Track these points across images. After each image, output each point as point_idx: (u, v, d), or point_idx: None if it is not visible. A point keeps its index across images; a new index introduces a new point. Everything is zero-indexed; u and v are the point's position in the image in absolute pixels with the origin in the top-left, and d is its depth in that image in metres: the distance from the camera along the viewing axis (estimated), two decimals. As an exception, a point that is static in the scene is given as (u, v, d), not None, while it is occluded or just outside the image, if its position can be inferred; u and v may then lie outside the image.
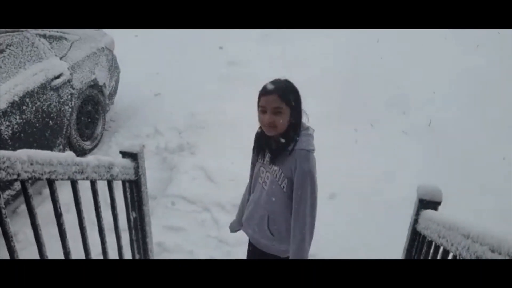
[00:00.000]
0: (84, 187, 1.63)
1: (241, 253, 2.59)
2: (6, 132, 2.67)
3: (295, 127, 1.58)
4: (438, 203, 1.72)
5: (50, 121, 3.12)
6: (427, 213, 1.69)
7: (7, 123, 2.68)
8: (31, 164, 1.23)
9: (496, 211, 2.82)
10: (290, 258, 1.65)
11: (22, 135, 2.80)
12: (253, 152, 1.78)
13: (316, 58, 5.05)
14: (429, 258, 1.58)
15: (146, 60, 5.19)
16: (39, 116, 2.99)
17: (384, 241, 2.58)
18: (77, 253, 1.57)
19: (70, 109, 3.38)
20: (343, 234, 2.80)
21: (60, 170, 1.38)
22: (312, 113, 1.66)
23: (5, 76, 2.78)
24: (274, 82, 1.56)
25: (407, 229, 1.91)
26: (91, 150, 3.81)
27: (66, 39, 3.57)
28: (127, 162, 1.98)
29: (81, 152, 3.62)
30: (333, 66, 4.87)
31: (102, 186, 1.80)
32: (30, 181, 1.26)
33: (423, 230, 1.67)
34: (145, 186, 2.14)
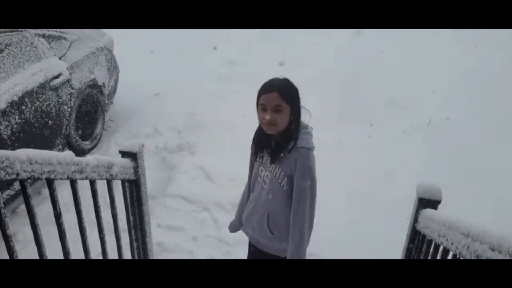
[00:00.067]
0: (84, 187, 1.63)
1: (240, 253, 2.59)
2: (5, 132, 2.66)
3: (294, 125, 1.58)
4: (438, 202, 1.71)
5: (49, 121, 3.12)
6: (427, 212, 1.69)
7: (6, 123, 2.67)
8: (30, 163, 1.23)
9: (496, 211, 2.82)
10: (288, 255, 1.64)
11: (21, 135, 2.80)
12: (252, 152, 1.78)
13: (316, 58, 5.05)
14: (429, 257, 1.58)
15: (146, 60, 5.18)
16: (38, 116, 2.99)
17: (384, 241, 2.58)
18: (76, 253, 1.57)
19: (69, 109, 3.38)
20: (343, 234, 2.80)
21: (60, 169, 1.38)
22: (312, 113, 1.66)
23: (4, 76, 2.77)
24: (274, 80, 1.57)
25: (407, 228, 1.90)
26: (90, 150, 3.81)
27: (65, 39, 3.56)
28: (127, 161, 1.97)
29: (80, 152, 3.61)
30: (333, 66, 4.88)
31: (101, 186, 1.80)
32: (29, 180, 1.25)
33: (423, 229, 1.66)
34: (144, 186, 2.14)
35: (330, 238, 2.70)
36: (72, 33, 3.69)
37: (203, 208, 3.13)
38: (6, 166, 1.14)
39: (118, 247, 1.98)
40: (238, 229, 1.99)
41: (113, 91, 4.32)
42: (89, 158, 1.63)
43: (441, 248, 1.44)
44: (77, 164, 1.49)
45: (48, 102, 3.09)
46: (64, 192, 1.79)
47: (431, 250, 1.55)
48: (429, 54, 5.06)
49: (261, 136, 1.68)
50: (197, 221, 3.03)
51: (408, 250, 1.86)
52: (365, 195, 3.17)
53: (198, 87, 4.69)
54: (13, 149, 1.79)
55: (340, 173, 3.28)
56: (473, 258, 1.09)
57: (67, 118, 3.37)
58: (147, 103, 4.56)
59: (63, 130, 3.33)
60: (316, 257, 2.58)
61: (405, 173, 3.33)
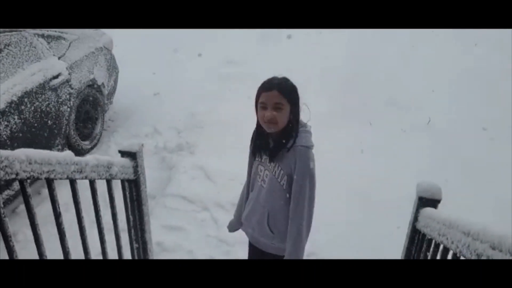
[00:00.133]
0: (83, 187, 1.62)
1: (240, 253, 2.59)
2: (5, 132, 2.66)
3: (294, 123, 1.58)
4: (438, 201, 1.70)
5: (49, 121, 3.12)
6: (427, 211, 1.68)
7: (6, 123, 2.67)
8: (30, 163, 1.23)
9: (496, 211, 2.82)
10: (286, 253, 1.64)
11: (20, 135, 2.79)
12: (251, 151, 1.78)
13: (316, 58, 5.05)
14: (429, 256, 1.58)
15: (145, 60, 5.18)
16: (38, 116, 2.98)
17: (384, 241, 2.58)
18: (76, 253, 1.57)
19: (68, 109, 3.38)
20: (343, 234, 2.80)
21: (59, 169, 1.38)
22: (312, 112, 1.66)
23: (3, 76, 2.77)
24: (274, 78, 1.57)
25: (407, 228, 1.90)
26: (90, 149, 3.81)
27: (64, 38, 3.56)
28: (126, 161, 1.97)
29: (80, 152, 3.61)
30: (333, 66, 4.87)
31: (101, 186, 1.80)
32: (28, 180, 1.25)
33: (423, 228, 1.66)
34: (144, 186, 2.14)
35: (330, 238, 2.70)
36: (71, 33, 3.69)
37: (203, 208, 3.13)
38: (6, 166, 1.14)
39: (118, 247, 1.97)
40: (237, 229, 1.99)
41: (112, 91, 4.32)
42: (89, 158, 1.62)
43: (441, 247, 1.44)
44: (76, 164, 1.49)
45: (47, 102, 3.09)
46: (63, 192, 1.79)
47: (431, 249, 1.55)
48: (429, 54, 5.06)
49: (260, 135, 1.68)
50: (197, 221, 3.02)
51: (408, 249, 1.86)
52: (365, 195, 3.16)
53: (198, 87, 4.69)
54: (13, 149, 1.79)
55: (340, 173, 3.27)
56: (473, 257, 1.09)
57: (67, 118, 3.36)
58: (147, 103, 4.56)
59: (63, 130, 3.33)
60: (316, 257, 2.58)
61: (405, 173, 3.33)
